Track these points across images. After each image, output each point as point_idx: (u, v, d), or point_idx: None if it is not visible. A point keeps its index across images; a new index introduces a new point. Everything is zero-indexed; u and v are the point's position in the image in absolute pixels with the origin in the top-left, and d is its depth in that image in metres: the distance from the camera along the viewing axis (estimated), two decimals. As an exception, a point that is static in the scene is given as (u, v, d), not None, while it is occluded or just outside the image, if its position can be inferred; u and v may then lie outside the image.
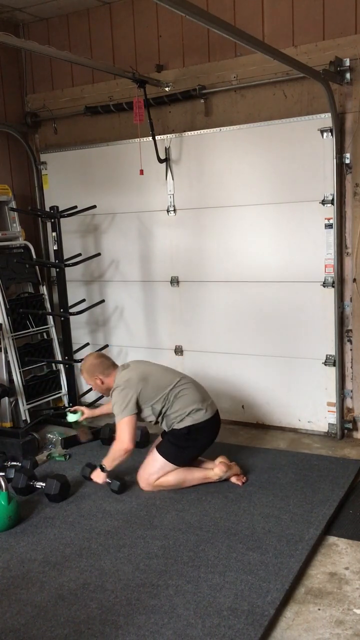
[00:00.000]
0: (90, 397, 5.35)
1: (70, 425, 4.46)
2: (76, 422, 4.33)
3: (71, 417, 4.30)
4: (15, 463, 4.05)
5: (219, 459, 3.81)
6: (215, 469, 3.76)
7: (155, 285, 5.16)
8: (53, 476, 3.72)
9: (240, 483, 3.77)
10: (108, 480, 3.76)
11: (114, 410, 3.77)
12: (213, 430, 3.85)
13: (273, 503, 3.52)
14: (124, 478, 3.81)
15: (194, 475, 3.75)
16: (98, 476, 3.78)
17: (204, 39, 4.70)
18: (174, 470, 3.72)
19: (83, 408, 4.31)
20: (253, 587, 2.76)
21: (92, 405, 5.21)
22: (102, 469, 3.76)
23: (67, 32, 5.30)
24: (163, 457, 3.71)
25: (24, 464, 4.03)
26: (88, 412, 4.29)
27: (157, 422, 3.87)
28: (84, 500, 3.70)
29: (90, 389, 5.30)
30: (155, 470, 3.72)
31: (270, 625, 2.54)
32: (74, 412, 4.31)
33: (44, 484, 3.70)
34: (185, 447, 3.74)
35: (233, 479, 3.78)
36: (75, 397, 5.11)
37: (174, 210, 4.95)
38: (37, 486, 3.75)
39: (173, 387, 3.79)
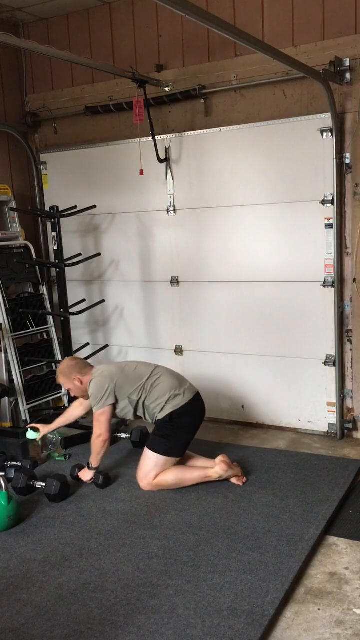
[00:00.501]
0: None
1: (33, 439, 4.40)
2: (32, 440, 4.29)
3: (30, 435, 4.25)
4: (15, 463, 4.05)
5: (220, 458, 3.80)
6: (216, 468, 3.75)
7: (155, 285, 5.16)
8: (53, 476, 3.72)
9: (240, 484, 3.76)
10: (94, 476, 3.83)
11: (91, 402, 3.81)
12: (196, 412, 3.85)
13: (273, 503, 3.52)
14: (108, 473, 3.89)
15: (194, 474, 3.75)
16: (85, 474, 3.84)
17: (204, 39, 4.70)
18: (172, 467, 3.72)
19: (39, 426, 4.21)
20: (253, 587, 2.76)
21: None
22: (89, 467, 3.82)
23: (67, 32, 5.30)
24: (154, 452, 3.72)
25: (24, 464, 4.03)
26: (44, 430, 4.18)
27: (136, 417, 3.89)
28: (84, 500, 3.70)
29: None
30: (151, 467, 3.72)
31: (270, 625, 2.54)
32: (35, 430, 4.23)
33: (44, 484, 3.70)
34: (173, 435, 3.74)
35: (233, 480, 3.78)
36: (75, 397, 5.10)
37: (174, 210, 4.95)
38: (37, 486, 3.75)
39: (149, 377, 3.82)
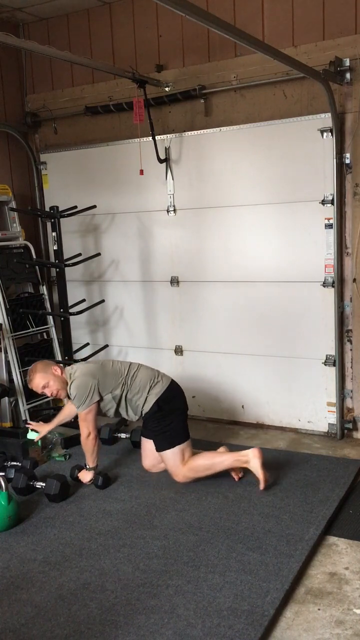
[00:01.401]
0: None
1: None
2: (32, 440, 4.29)
3: (30, 435, 4.26)
4: (15, 463, 4.05)
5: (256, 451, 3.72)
6: (249, 452, 3.66)
7: (155, 285, 5.16)
8: (53, 476, 3.72)
9: (260, 488, 3.66)
10: (93, 477, 3.83)
11: (74, 402, 3.79)
12: (178, 394, 3.90)
13: (273, 503, 3.52)
14: (107, 473, 3.89)
15: (224, 456, 3.74)
16: (84, 475, 3.85)
17: (204, 39, 4.70)
18: (200, 453, 3.75)
19: (38, 425, 4.18)
20: (253, 587, 2.76)
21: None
22: (87, 468, 3.85)
23: (67, 32, 5.30)
24: (164, 450, 3.74)
25: (24, 464, 4.03)
26: (43, 429, 4.16)
27: (117, 414, 3.89)
28: (84, 500, 3.70)
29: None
30: (172, 461, 3.75)
31: (270, 625, 2.54)
32: (34, 431, 4.26)
33: (44, 484, 3.70)
34: (168, 424, 3.76)
35: (260, 481, 3.66)
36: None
37: (174, 210, 4.95)
38: (37, 486, 3.75)
39: (127, 371, 3.85)
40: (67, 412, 4.18)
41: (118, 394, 3.81)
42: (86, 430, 3.78)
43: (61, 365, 4.00)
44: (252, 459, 3.67)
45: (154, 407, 3.77)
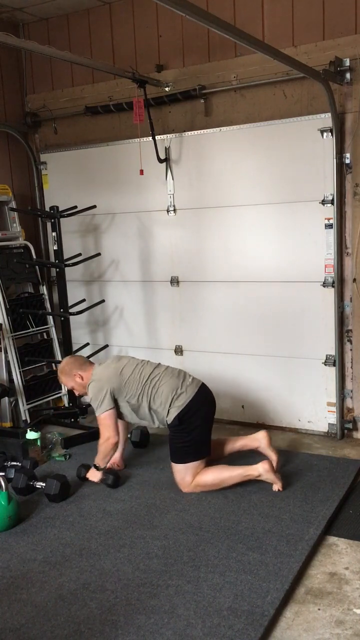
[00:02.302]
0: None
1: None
2: (34, 441, 4.30)
3: (30, 435, 4.28)
4: (15, 463, 4.05)
5: (265, 463, 3.68)
6: (258, 466, 3.64)
7: (155, 285, 5.16)
8: (53, 476, 3.72)
9: (276, 489, 3.65)
10: (103, 476, 3.79)
11: (92, 404, 3.79)
12: (204, 405, 3.74)
13: (273, 503, 3.52)
14: (117, 472, 3.86)
15: (233, 473, 3.65)
16: (94, 475, 3.81)
17: (204, 39, 4.70)
18: (210, 467, 3.68)
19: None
20: (253, 587, 2.76)
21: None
22: (97, 468, 3.80)
23: (67, 32, 5.30)
24: (178, 462, 3.67)
25: (24, 464, 4.03)
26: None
27: (140, 420, 3.82)
28: (84, 500, 3.70)
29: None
30: (183, 474, 3.67)
31: (270, 625, 2.54)
32: (35, 431, 4.32)
33: (44, 484, 3.70)
34: (189, 439, 3.65)
35: (275, 487, 3.66)
36: (75, 397, 5.11)
37: (174, 210, 4.95)
38: (37, 486, 3.75)
39: (148, 380, 3.74)
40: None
41: (135, 403, 3.73)
42: (106, 433, 3.72)
43: (92, 364, 3.96)
44: (264, 473, 3.62)
45: (175, 420, 3.66)
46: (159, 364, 3.93)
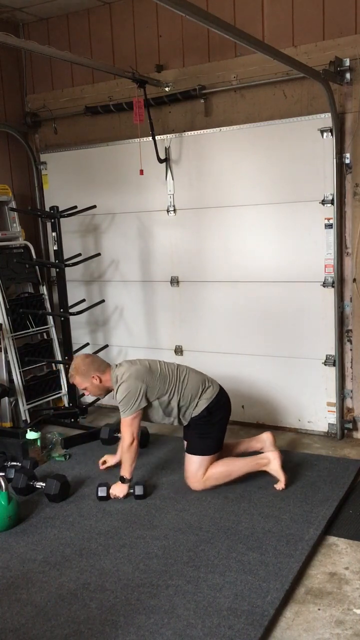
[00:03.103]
0: (90, 397, 5.33)
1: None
2: (34, 441, 4.30)
3: (30, 435, 4.28)
4: (15, 463, 4.05)
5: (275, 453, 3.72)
6: (268, 454, 3.68)
7: (155, 285, 5.16)
8: (53, 476, 3.71)
9: (279, 488, 3.66)
10: (130, 489, 3.65)
11: (120, 404, 3.62)
12: (226, 402, 3.80)
13: (273, 503, 3.52)
14: (144, 482, 3.73)
15: (242, 462, 3.68)
16: (121, 490, 3.63)
17: (204, 39, 4.70)
18: (218, 460, 3.68)
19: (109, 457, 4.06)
20: (253, 587, 2.76)
21: (92, 405, 5.22)
22: (123, 480, 3.65)
23: (67, 32, 5.30)
24: (197, 454, 3.66)
25: (24, 464, 4.03)
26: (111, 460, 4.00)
27: (163, 420, 3.74)
28: (84, 500, 3.70)
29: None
30: (197, 467, 3.65)
31: (270, 625, 2.54)
32: (35, 431, 4.31)
33: (44, 484, 3.70)
34: (211, 431, 3.66)
35: (277, 485, 3.67)
36: (75, 397, 5.11)
37: (174, 210, 4.95)
38: (37, 486, 3.75)
39: (177, 376, 3.70)
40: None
41: (166, 400, 3.65)
42: (130, 437, 3.58)
43: (109, 365, 3.81)
44: (272, 461, 3.66)
45: (203, 412, 3.64)
46: (176, 363, 3.89)
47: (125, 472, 3.64)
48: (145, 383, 3.62)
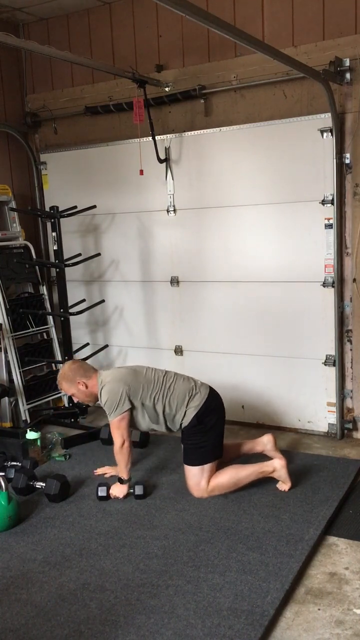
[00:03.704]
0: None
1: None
2: (34, 441, 4.29)
3: (30, 435, 4.28)
4: (15, 463, 4.05)
5: (278, 459, 3.69)
6: (274, 461, 3.64)
7: (155, 285, 5.16)
8: (53, 476, 3.71)
9: (284, 489, 3.65)
10: (130, 489, 3.66)
11: (105, 408, 3.64)
12: (217, 405, 3.72)
13: (273, 503, 3.52)
14: (143, 482, 3.72)
15: (248, 470, 3.62)
16: (120, 490, 3.65)
17: (204, 39, 4.70)
18: (224, 468, 3.63)
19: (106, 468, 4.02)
20: (253, 587, 2.76)
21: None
22: (122, 481, 3.66)
23: (67, 32, 5.30)
24: (195, 465, 3.60)
25: (24, 464, 4.03)
26: (111, 471, 3.94)
27: (151, 427, 3.72)
28: (84, 500, 3.70)
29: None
30: (198, 477, 3.58)
31: (270, 625, 2.54)
32: (35, 431, 4.31)
33: (44, 484, 3.70)
34: (205, 439, 3.60)
35: (279, 484, 3.67)
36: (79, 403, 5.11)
37: (174, 210, 4.95)
38: (37, 486, 3.75)
39: (163, 382, 3.67)
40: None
41: (150, 405, 3.62)
42: (120, 438, 3.58)
43: (96, 371, 3.77)
44: (279, 469, 3.62)
45: (193, 420, 3.59)
46: (166, 370, 3.85)
47: (122, 473, 3.65)
48: (127, 385, 3.60)
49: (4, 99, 5.43)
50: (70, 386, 3.74)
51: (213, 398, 3.72)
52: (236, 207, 4.69)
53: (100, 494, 3.64)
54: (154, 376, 3.71)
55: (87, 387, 3.71)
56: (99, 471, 4.02)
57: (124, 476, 3.65)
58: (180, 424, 3.66)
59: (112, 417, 3.60)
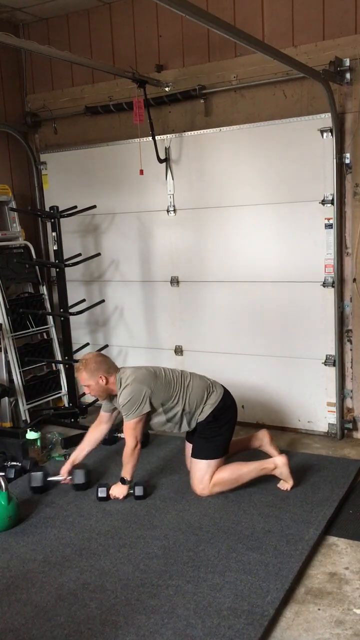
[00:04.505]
0: (90, 397, 5.34)
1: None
2: (34, 440, 4.30)
3: (30, 435, 4.29)
4: (15, 463, 4.05)
5: (281, 457, 3.70)
6: (275, 459, 3.66)
7: (155, 285, 5.16)
8: (76, 467, 3.74)
9: (285, 488, 3.66)
10: (130, 490, 3.65)
11: (122, 410, 3.61)
12: (232, 403, 3.76)
13: (273, 503, 3.52)
14: (143, 482, 3.72)
15: (249, 467, 3.63)
16: (120, 491, 3.64)
17: (204, 39, 4.70)
18: (225, 465, 3.65)
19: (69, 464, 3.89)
20: (253, 587, 2.76)
21: (92, 405, 5.22)
22: (124, 482, 3.64)
23: (67, 32, 5.30)
24: (203, 458, 3.61)
25: (24, 464, 4.03)
26: (69, 463, 3.85)
27: (178, 429, 3.72)
28: (84, 500, 3.70)
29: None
30: (204, 472, 3.61)
31: (270, 625, 2.54)
32: (35, 431, 4.32)
33: (60, 478, 3.74)
34: (218, 435, 3.63)
35: (281, 483, 3.67)
36: (75, 397, 5.12)
37: (174, 210, 4.95)
38: (56, 480, 3.78)
39: (181, 383, 3.68)
40: (91, 440, 3.90)
41: (170, 406, 3.62)
42: (134, 440, 3.58)
43: (117, 370, 3.73)
44: (280, 466, 3.63)
45: (209, 417, 3.63)
46: (179, 369, 3.87)
47: (127, 474, 3.65)
48: (149, 388, 3.60)
49: (4, 99, 5.43)
50: (90, 378, 3.66)
51: (227, 397, 3.77)
52: (236, 207, 4.69)
53: (100, 494, 3.63)
54: (172, 377, 3.73)
55: (107, 382, 3.66)
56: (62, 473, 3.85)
57: (128, 477, 3.65)
58: (196, 421, 3.68)
59: (130, 418, 3.59)
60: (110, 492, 3.65)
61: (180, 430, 3.76)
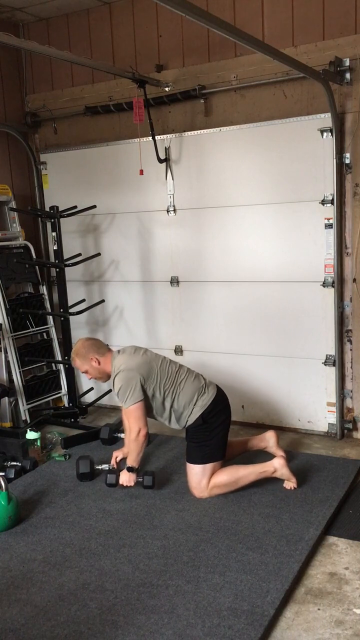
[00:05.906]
0: (90, 397, 5.35)
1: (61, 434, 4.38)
2: (34, 440, 4.30)
3: (30, 435, 4.29)
4: (15, 463, 4.05)
5: (280, 457, 3.69)
6: (274, 461, 3.63)
7: (155, 285, 5.16)
8: (145, 472, 3.69)
9: (289, 488, 3.65)
10: (139, 479, 3.65)
11: (118, 396, 3.63)
12: (224, 405, 3.72)
13: (273, 503, 3.52)
14: (153, 471, 3.73)
15: (248, 470, 3.62)
16: (128, 478, 3.63)
17: (204, 39, 4.70)
18: (224, 468, 3.63)
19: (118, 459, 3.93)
20: (253, 587, 2.76)
21: (92, 404, 5.22)
22: (131, 470, 3.63)
23: (67, 32, 5.30)
24: (197, 463, 3.60)
25: (24, 464, 4.03)
26: (119, 455, 3.89)
27: (169, 423, 3.73)
28: (84, 500, 3.70)
29: (91, 389, 5.31)
30: (200, 476, 3.59)
31: (270, 625, 2.54)
32: (35, 431, 4.33)
33: (106, 466, 3.85)
34: (210, 439, 3.61)
35: (285, 483, 3.67)
36: (75, 397, 5.12)
37: (174, 210, 4.95)
38: (103, 467, 3.87)
39: (175, 377, 3.67)
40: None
41: (159, 398, 3.63)
42: (136, 426, 3.55)
43: (110, 350, 3.79)
44: (279, 468, 3.61)
45: (198, 420, 3.60)
46: (179, 364, 3.84)
47: (133, 461, 3.63)
48: (140, 374, 3.59)
49: (4, 99, 5.43)
50: (84, 362, 3.74)
51: (220, 399, 3.72)
52: (236, 207, 4.69)
53: (109, 481, 3.65)
54: (168, 369, 3.71)
55: (99, 363, 3.71)
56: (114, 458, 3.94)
57: (134, 465, 3.63)
58: (186, 422, 3.67)
59: (127, 404, 3.59)
60: (120, 480, 3.65)
61: (171, 426, 3.76)
